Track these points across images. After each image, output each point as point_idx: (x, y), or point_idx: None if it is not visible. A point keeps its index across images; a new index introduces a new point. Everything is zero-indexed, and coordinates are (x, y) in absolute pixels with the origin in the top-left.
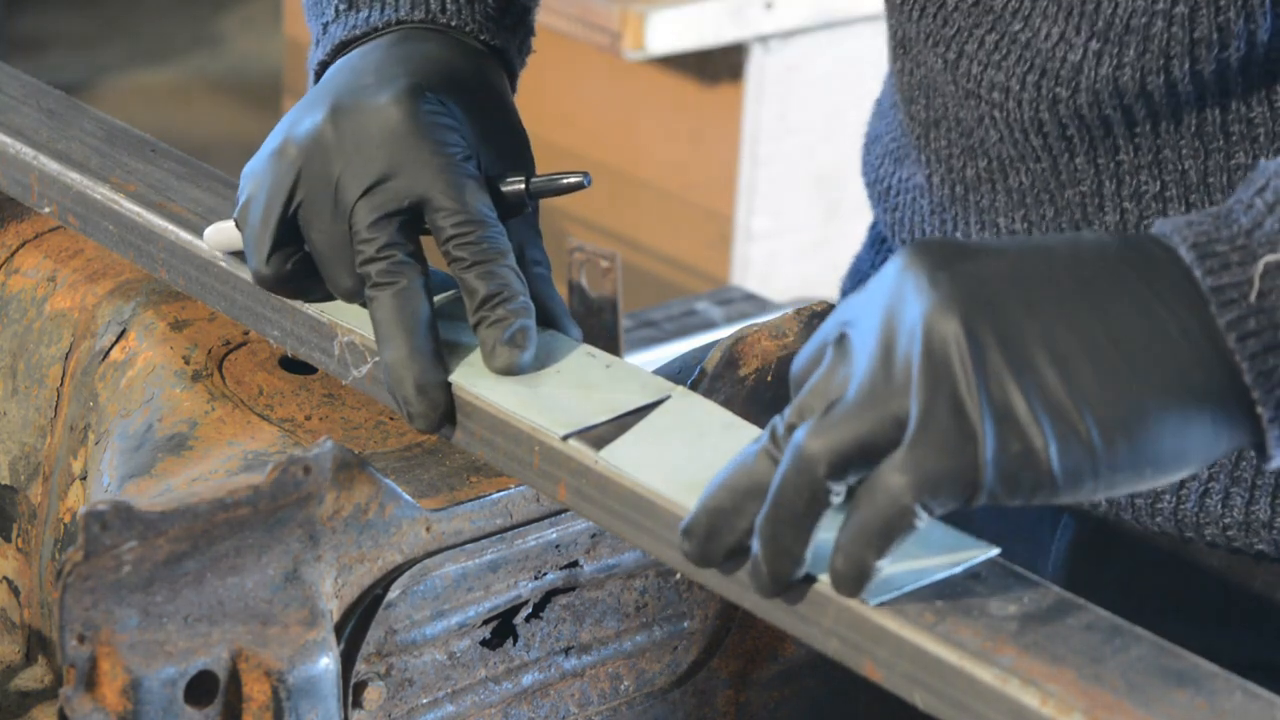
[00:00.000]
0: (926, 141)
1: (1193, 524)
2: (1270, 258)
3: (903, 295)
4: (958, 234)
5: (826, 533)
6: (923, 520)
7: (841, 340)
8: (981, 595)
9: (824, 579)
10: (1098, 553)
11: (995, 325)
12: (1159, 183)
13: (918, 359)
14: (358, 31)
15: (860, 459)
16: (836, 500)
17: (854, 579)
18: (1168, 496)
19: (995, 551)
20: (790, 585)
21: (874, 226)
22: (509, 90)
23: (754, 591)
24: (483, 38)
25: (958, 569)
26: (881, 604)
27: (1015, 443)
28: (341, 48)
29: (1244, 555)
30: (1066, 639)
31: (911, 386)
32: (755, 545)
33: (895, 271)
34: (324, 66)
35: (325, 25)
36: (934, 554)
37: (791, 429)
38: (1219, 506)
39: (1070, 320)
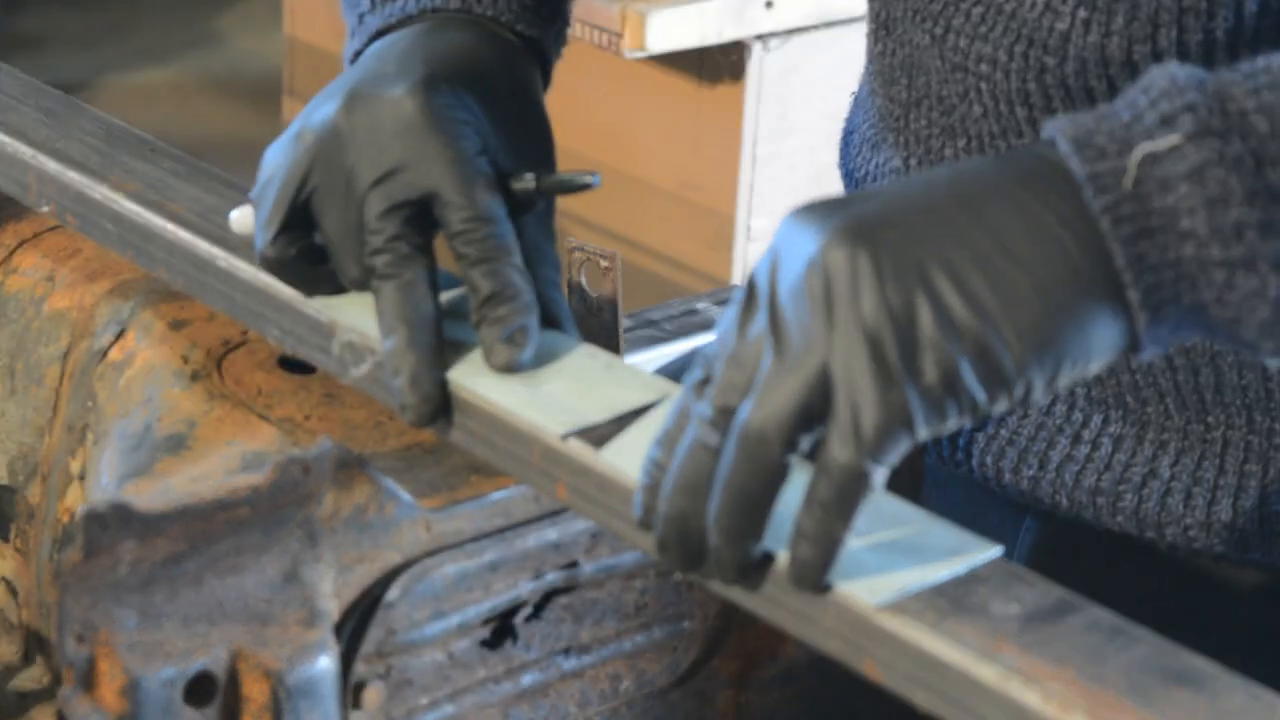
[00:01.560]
0: (905, 123)
1: (1154, 523)
2: (1147, 145)
3: (793, 249)
4: None
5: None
6: (880, 477)
7: (748, 305)
8: (982, 595)
9: (783, 555)
10: (1061, 557)
11: (887, 258)
12: None
13: (820, 310)
14: (393, 20)
15: (806, 422)
16: (791, 468)
17: (822, 563)
18: (1129, 495)
19: (999, 551)
20: (754, 569)
21: None
22: (537, 84)
23: (719, 581)
24: (518, 28)
25: (961, 569)
26: (884, 605)
27: (933, 372)
28: (377, 37)
29: (1205, 558)
30: (1067, 638)
31: (829, 342)
32: (714, 538)
33: (783, 230)
34: (359, 56)
35: (361, 16)
36: (937, 555)
37: (726, 411)
38: (1180, 506)
39: (957, 237)
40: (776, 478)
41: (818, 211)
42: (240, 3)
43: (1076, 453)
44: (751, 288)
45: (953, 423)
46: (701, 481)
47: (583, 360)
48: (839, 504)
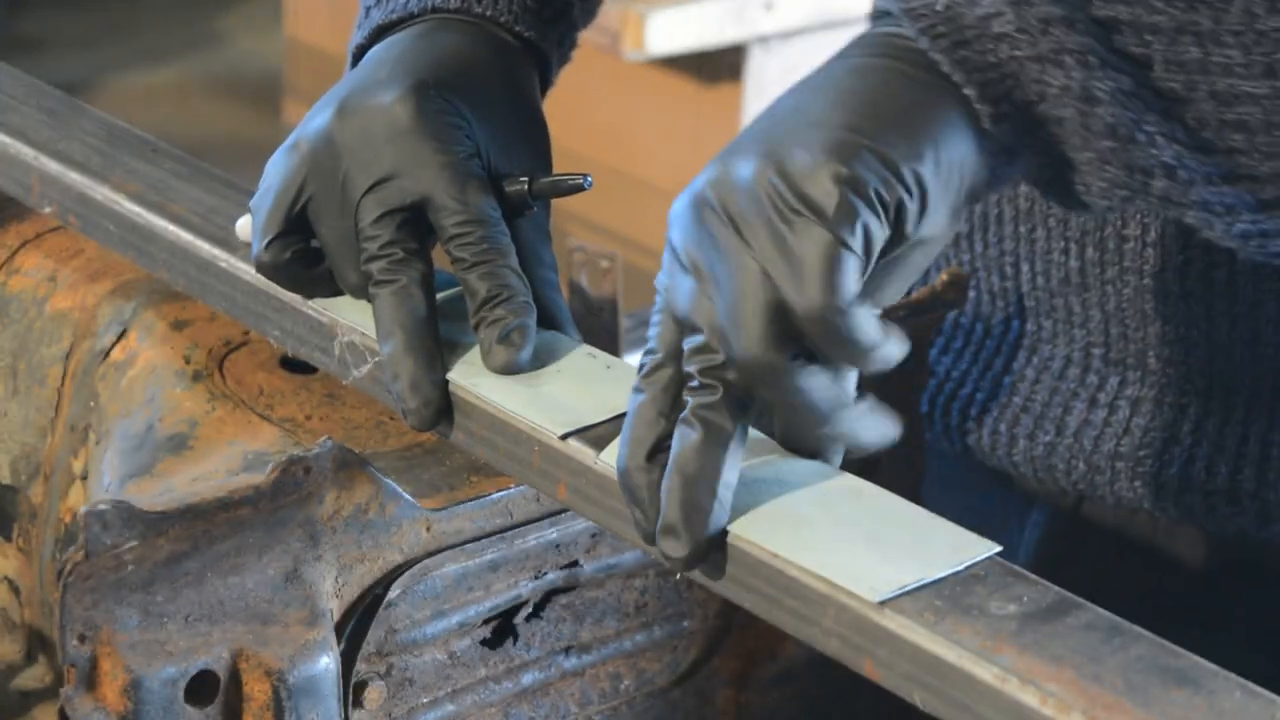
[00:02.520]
0: None
1: (1173, 492)
2: None
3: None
4: None
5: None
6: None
7: (678, 263)
8: (981, 595)
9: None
10: (1067, 549)
11: (744, 146)
12: None
13: (705, 233)
14: (395, 16)
15: (779, 316)
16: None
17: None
18: (1150, 461)
19: (997, 549)
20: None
21: None
22: (534, 86)
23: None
24: (517, 29)
25: (960, 566)
26: (884, 602)
27: (829, 189)
28: (380, 32)
29: (1220, 542)
30: (1066, 638)
31: (730, 252)
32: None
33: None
34: (361, 50)
35: (368, 9)
36: (936, 552)
37: (719, 375)
38: (1203, 474)
39: (819, 95)
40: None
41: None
42: (240, 3)
43: (1094, 416)
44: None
45: (876, 229)
46: (710, 466)
47: (583, 360)
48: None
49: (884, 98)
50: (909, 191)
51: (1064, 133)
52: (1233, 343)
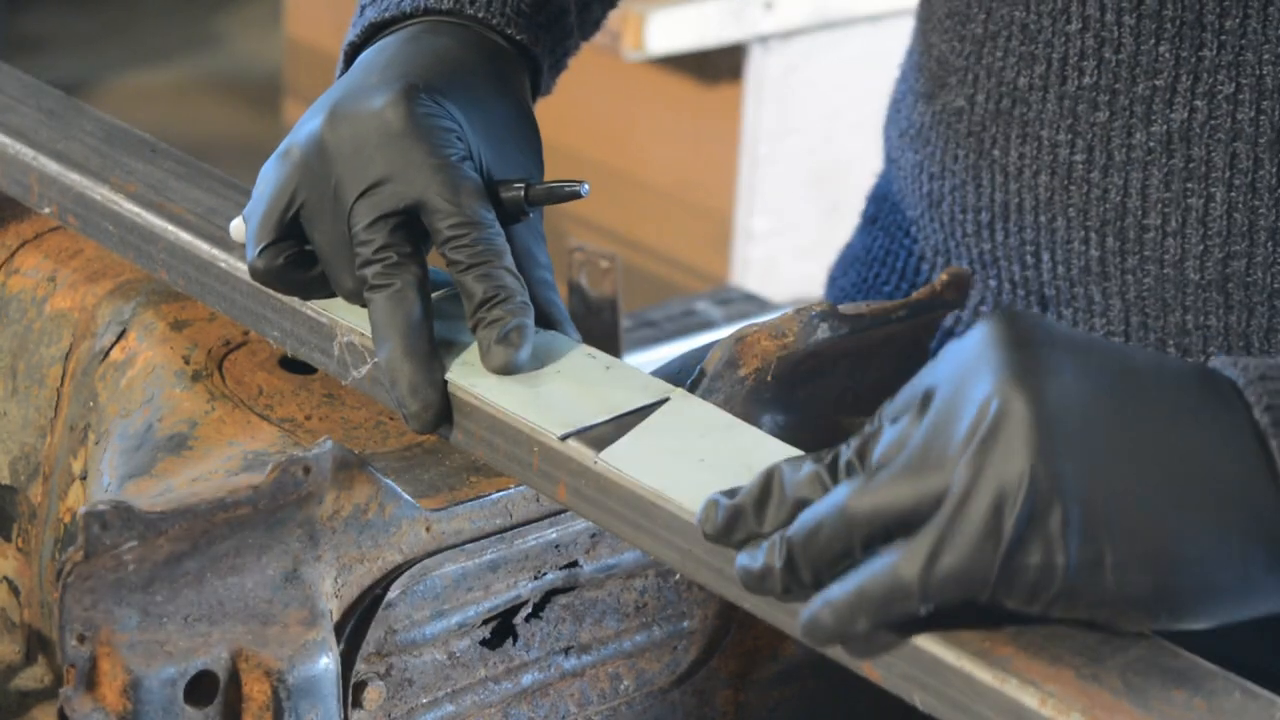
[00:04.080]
0: (978, 58)
1: None
2: None
3: (979, 373)
4: (995, 151)
5: None
6: (924, 612)
7: (925, 401)
8: None
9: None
10: None
11: (1063, 444)
12: (1234, 84)
13: (974, 447)
14: (387, 15)
15: (898, 527)
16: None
17: (831, 636)
18: None
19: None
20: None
21: (866, 210)
22: (525, 89)
23: (742, 589)
24: (509, 32)
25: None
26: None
27: (1036, 555)
28: (373, 30)
29: None
30: (1065, 639)
31: (957, 472)
32: (766, 556)
33: (979, 342)
34: (354, 49)
35: (363, 7)
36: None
37: (855, 462)
38: None
39: (1135, 449)
40: (848, 553)
41: (1021, 337)
42: (240, 3)
43: None
44: (933, 386)
45: (1014, 603)
46: (784, 493)
47: (582, 361)
48: (878, 607)
49: (1194, 533)
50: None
51: None
52: (1251, 332)
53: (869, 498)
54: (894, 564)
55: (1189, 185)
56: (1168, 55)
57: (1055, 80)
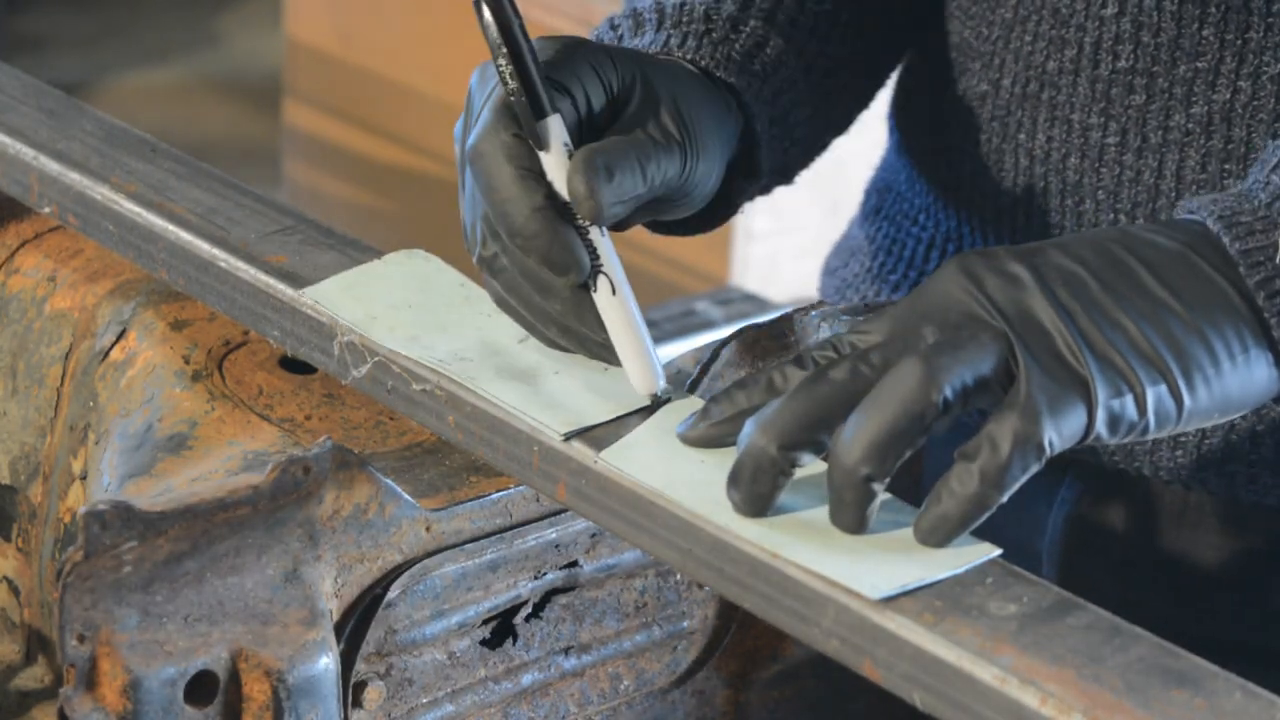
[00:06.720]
0: (1006, 42)
1: (1215, 462)
2: None
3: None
4: (1021, 135)
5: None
6: (1044, 459)
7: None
8: (981, 595)
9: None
10: (1093, 529)
11: (1077, 295)
12: None
13: (1014, 325)
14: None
15: (976, 391)
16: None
17: (961, 523)
18: (1193, 432)
19: (997, 552)
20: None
21: (867, 202)
22: (727, 125)
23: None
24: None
25: (961, 569)
26: (883, 600)
27: (1120, 387)
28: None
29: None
30: (1066, 639)
31: (1019, 314)
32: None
33: (954, 269)
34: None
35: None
36: (937, 554)
37: (899, 346)
38: (1246, 444)
39: (1138, 287)
40: (929, 412)
41: (998, 255)
42: (240, 3)
43: None
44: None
45: (1115, 439)
46: (835, 395)
47: (583, 360)
48: (1002, 472)
49: (1200, 320)
50: (1171, 423)
51: None
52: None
53: (942, 357)
54: (1001, 428)
55: (1226, 166)
56: (1212, 38)
57: (1088, 64)
